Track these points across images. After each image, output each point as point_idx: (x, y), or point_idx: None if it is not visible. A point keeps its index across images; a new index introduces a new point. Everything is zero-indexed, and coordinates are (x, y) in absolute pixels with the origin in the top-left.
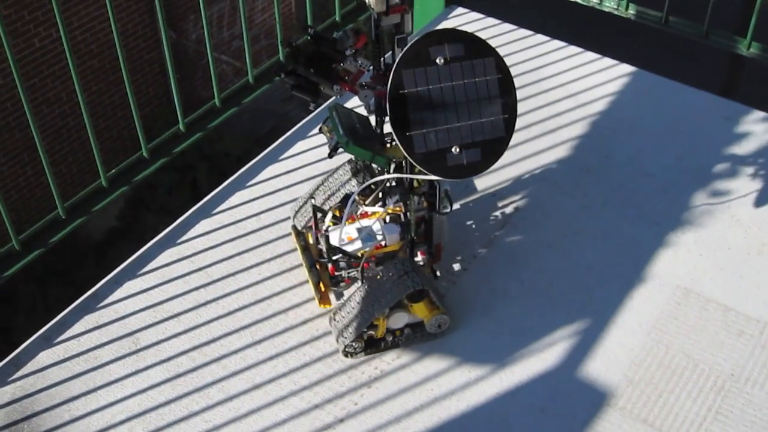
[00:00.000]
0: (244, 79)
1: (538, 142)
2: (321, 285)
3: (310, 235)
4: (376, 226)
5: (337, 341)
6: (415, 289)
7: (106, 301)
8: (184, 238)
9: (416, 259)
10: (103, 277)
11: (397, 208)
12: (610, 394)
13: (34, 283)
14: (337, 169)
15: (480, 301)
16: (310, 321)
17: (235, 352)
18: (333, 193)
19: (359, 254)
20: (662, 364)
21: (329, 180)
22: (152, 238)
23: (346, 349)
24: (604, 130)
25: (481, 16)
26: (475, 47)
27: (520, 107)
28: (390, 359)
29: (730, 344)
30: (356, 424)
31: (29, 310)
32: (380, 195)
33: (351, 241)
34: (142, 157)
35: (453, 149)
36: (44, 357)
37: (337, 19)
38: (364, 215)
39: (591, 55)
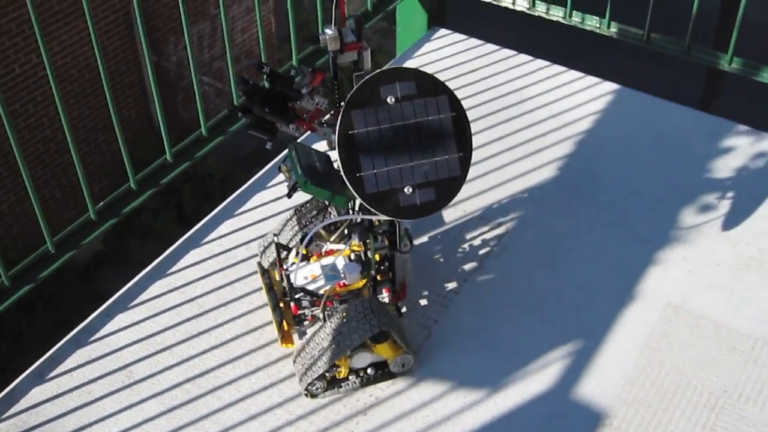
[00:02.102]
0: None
1: (524, 163)
2: (284, 324)
3: (275, 272)
4: (340, 264)
5: (300, 381)
6: (376, 330)
7: (97, 335)
8: (174, 268)
9: (382, 296)
10: (89, 303)
11: (358, 247)
12: (604, 415)
13: (20, 310)
14: (303, 206)
15: (472, 324)
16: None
17: (230, 382)
18: (299, 231)
19: (321, 293)
20: (655, 382)
21: (295, 217)
22: (137, 262)
23: (309, 389)
24: (589, 149)
25: (464, 37)
26: (428, 85)
27: (506, 128)
28: (384, 386)
29: (722, 361)
30: None
31: (15, 337)
32: (345, 233)
33: (315, 279)
34: (129, 188)
35: (406, 189)
36: (37, 393)
37: (294, 63)
38: (329, 253)
39: (574, 74)
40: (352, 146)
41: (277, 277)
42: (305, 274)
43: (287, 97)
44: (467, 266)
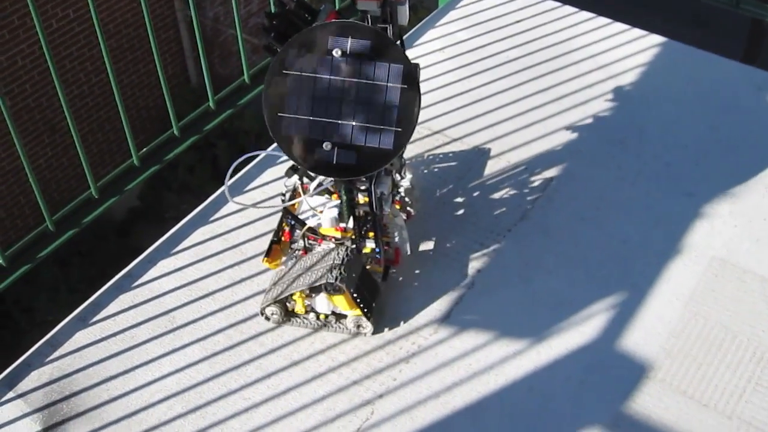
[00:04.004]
0: None
1: (569, 115)
2: (280, 245)
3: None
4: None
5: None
6: (326, 281)
7: (140, 281)
8: (217, 216)
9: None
10: (125, 257)
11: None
12: (648, 367)
13: (56, 263)
14: None
15: (516, 275)
16: None
17: (272, 329)
18: None
19: (315, 227)
20: (700, 335)
21: None
22: (173, 217)
23: (264, 310)
24: (635, 102)
25: None
26: (384, 49)
27: (551, 79)
28: (427, 334)
29: None
30: (395, 399)
31: (52, 290)
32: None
33: (320, 215)
34: (172, 135)
35: (324, 144)
36: (81, 337)
37: (335, 7)
38: None
39: (620, 26)
40: (281, 85)
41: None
42: (314, 205)
43: (299, 29)
44: (511, 217)
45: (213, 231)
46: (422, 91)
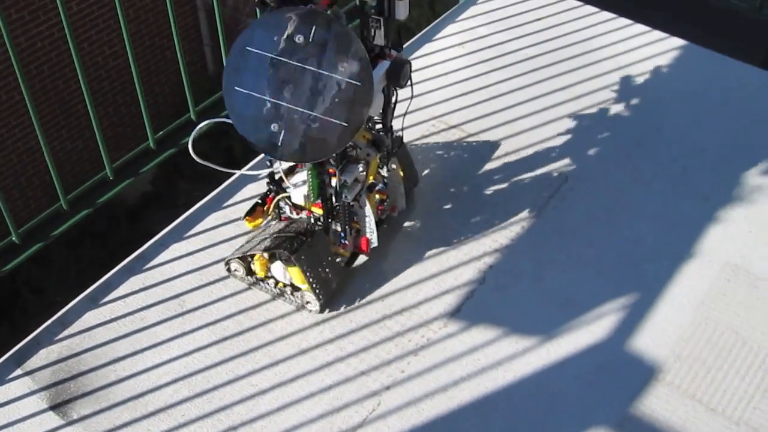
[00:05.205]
0: None
1: (586, 114)
2: (263, 208)
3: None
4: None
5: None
6: (276, 248)
7: (152, 263)
8: (230, 201)
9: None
10: (136, 242)
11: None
12: (657, 369)
13: (67, 245)
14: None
15: (527, 272)
16: (359, 285)
17: (282, 316)
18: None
19: (294, 199)
20: (710, 340)
21: None
22: (185, 204)
23: (228, 262)
24: (654, 104)
25: None
26: (345, 43)
27: (570, 78)
28: (437, 328)
29: None
30: (403, 392)
31: (62, 272)
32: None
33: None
34: (189, 119)
35: (272, 126)
36: (90, 317)
37: None
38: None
39: (641, 28)
40: (242, 60)
41: None
42: (303, 178)
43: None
44: (524, 214)
45: (226, 216)
46: (441, 85)
